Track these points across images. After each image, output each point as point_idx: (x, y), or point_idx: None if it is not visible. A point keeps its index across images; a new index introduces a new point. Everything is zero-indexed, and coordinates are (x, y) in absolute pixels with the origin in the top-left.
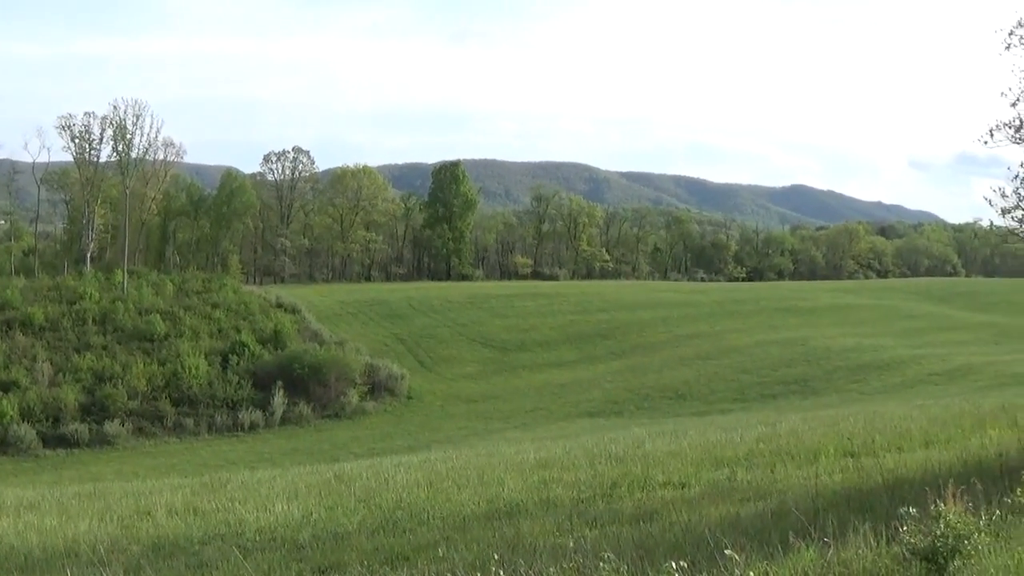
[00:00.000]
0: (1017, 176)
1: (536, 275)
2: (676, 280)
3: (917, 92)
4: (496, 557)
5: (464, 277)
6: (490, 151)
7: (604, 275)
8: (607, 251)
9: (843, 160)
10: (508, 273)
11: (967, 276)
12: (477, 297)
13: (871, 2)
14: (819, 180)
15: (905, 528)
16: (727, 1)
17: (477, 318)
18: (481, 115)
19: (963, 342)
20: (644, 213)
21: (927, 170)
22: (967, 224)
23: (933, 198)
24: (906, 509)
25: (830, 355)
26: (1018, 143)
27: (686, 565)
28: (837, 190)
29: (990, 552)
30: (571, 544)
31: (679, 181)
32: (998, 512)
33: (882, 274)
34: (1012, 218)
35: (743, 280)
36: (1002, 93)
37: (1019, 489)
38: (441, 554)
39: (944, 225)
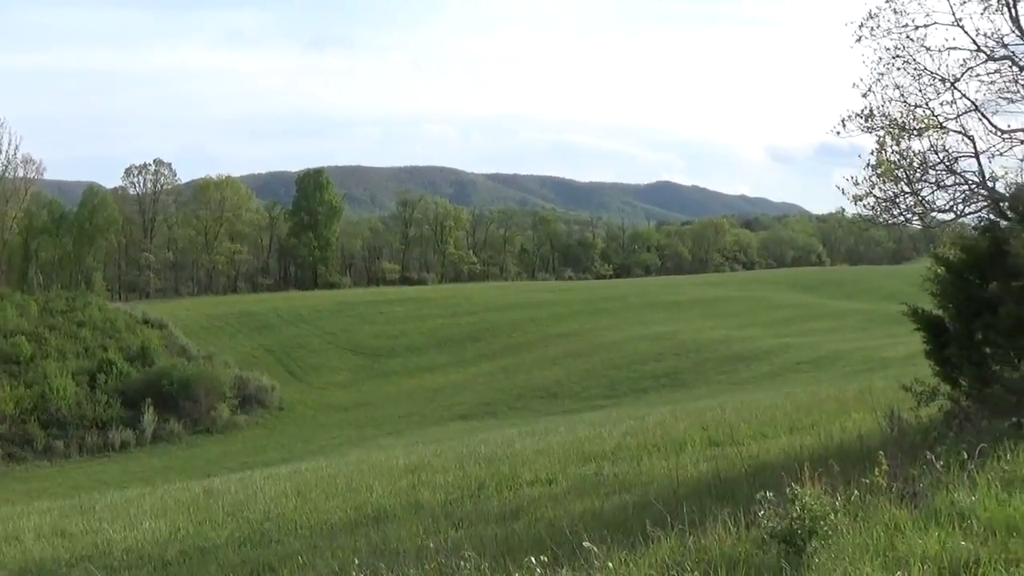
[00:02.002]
0: (868, 164)
1: (404, 280)
2: (544, 280)
3: (777, 86)
4: (357, 562)
5: (331, 285)
6: (355, 157)
7: (472, 277)
8: (474, 253)
9: (707, 156)
10: (376, 279)
11: (832, 265)
12: (345, 305)
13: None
14: (684, 176)
15: (763, 512)
16: (589, 2)
17: (346, 326)
18: (345, 121)
19: (831, 330)
20: (510, 214)
21: (790, 162)
22: (831, 214)
23: (797, 190)
24: (763, 493)
25: (699, 348)
26: (868, 132)
27: (547, 559)
28: (702, 185)
29: (849, 532)
30: (431, 545)
31: (545, 181)
32: (857, 493)
33: (748, 266)
34: (864, 206)
35: (611, 277)
36: (854, 84)
37: (877, 469)
38: (302, 562)
39: (808, 216)
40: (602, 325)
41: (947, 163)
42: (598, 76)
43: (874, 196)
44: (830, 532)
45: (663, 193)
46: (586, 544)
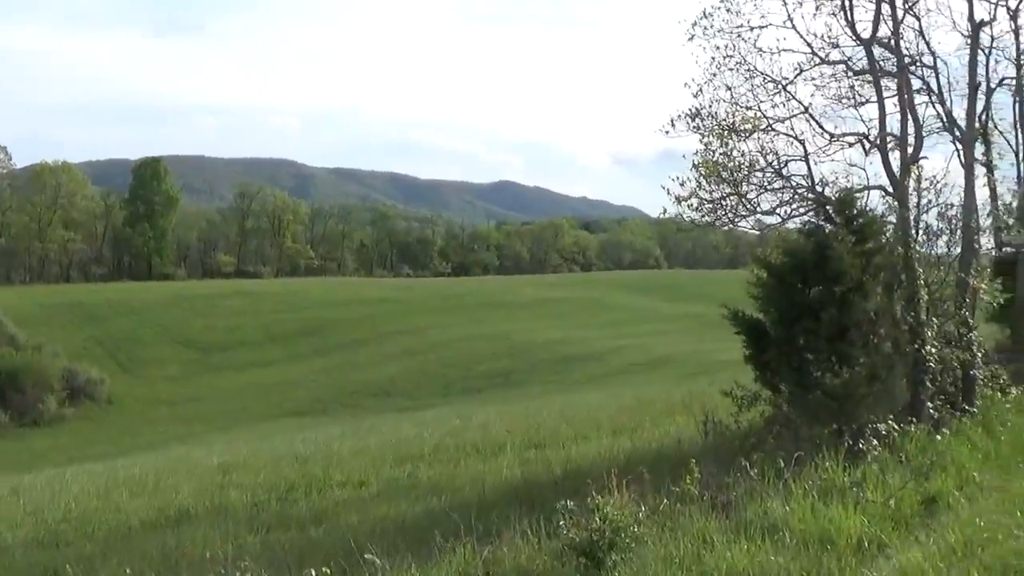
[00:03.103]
0: (692, 164)
1: (240, 273)
2: (382, 276)
3: (622, 90)
4: (129, 572)
5: (166, 276)
6: (196, 147)
7: (309, 272)
8: (312, 248)
9: (550, 157)
10: (211, 272)
11: (669, 268)
12: (179, 297)
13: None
14: (526, 177)
15: (563, 522)
16: None
17: (179, 319)
18: (188, 109)
19: (665, 332)
20: (350, 209)
21: (633, 166)
22: (668, 218)
23: (638, 193)
24: (564, 503)
25: (534, 348)
26: (696, 132)
27: (329, 571)
28: (544, 186)
29: (655, 543)
30: (208, 555)
31: (387, 177)
32: (666, 501)
33: (586, 268)
34: (689, 206)
35: (449, 276)
36: (685, 84)
37: (688, 477)
38: (73, 572)
39: (648, 219)
40: (438, 324)
41: (776, 166)
42: (443, 74)
43: (698, 197)
44: (633, 544)
45: (505, 193)
46: (368, 556)
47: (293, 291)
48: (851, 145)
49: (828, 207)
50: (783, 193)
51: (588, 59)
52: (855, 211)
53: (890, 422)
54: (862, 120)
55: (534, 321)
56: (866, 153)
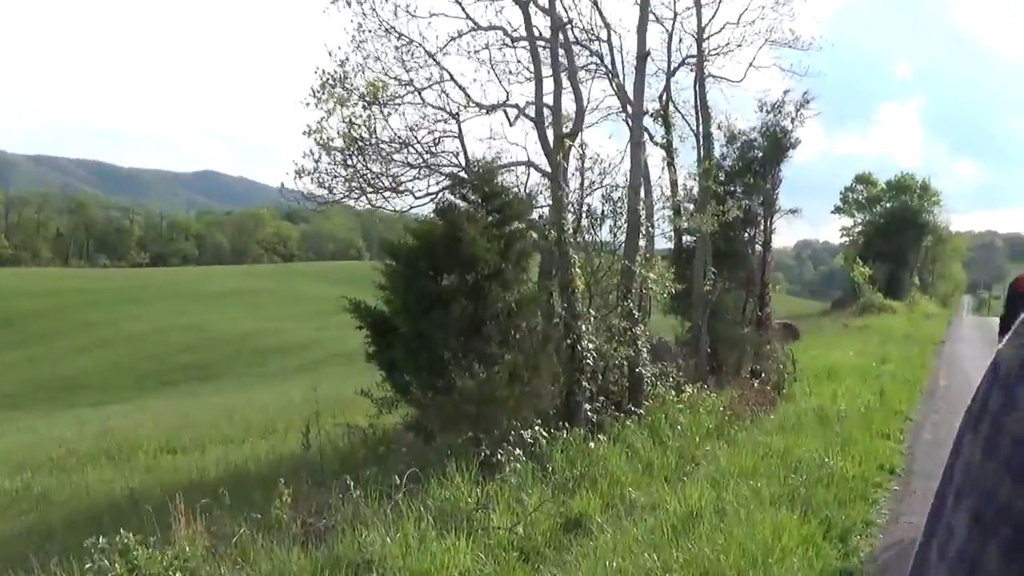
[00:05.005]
0: (306, 132)
1: None
2: (78, 267)
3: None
4: None
5: None
6: None
7: (3, 263)
8: (6, 238)
9: (254, 147)
10: None
11: (371, 260)
12: None
13: None
14: (231, 166)
15: (91, 565)
16: None
17: None
18: None
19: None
20: (48, 198)
21: (332, 154)
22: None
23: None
24: (95, 539)
25: (231, 340)
26: (319, 103)
27: None
28: (249, 176)
29: None
30: None
31: (88, 166)
32: (243, 530)
33: (287, 258)
34: (317, 181)
35: (147, 266)
36: (330, 52)
37: (279, 500)
38: None
39: (350, 209)
40: (133, 315)
41: (417, 139)
42: (144, 59)
43: (325, 172)
44: None
45: (208, 182)
46: None
47: None
48: (489, 112)
49: (472, 182)
50: (423, 170)
51: (281, 42)
52: (496, 188)
53: (537, 428)
54: (504, 92)
55: (233, 312)
56: (511, 122)
